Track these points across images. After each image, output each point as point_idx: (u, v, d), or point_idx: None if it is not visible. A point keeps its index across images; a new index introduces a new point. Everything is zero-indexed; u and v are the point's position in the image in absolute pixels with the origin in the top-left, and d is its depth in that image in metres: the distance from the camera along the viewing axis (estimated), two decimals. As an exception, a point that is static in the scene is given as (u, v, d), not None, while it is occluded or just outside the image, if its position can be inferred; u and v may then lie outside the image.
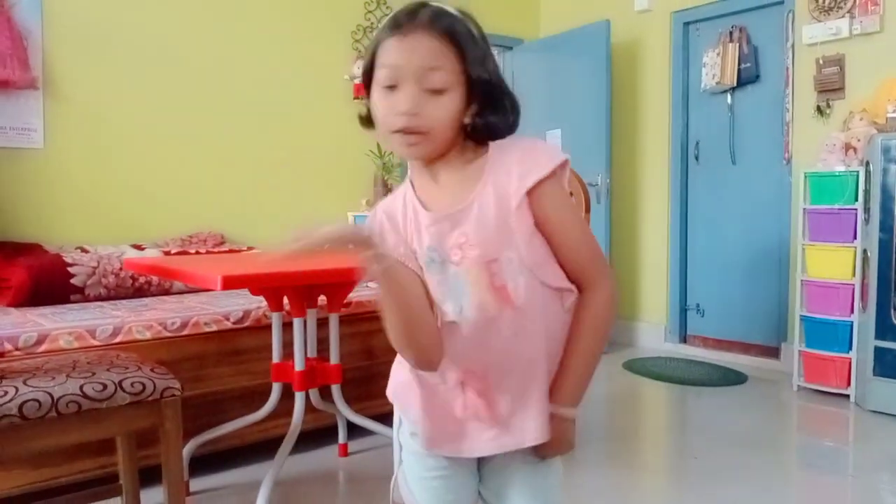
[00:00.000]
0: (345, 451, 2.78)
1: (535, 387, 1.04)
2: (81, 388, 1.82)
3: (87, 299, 2.98)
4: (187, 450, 2.38)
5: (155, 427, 1.93)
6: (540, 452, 1.07)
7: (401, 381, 1.13)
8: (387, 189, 4.45)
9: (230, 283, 1.77)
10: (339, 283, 2.25)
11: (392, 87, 0.98)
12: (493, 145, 1.04)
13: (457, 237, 1.01)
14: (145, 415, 1.91)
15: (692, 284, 4.65)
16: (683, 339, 4.67)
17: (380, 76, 1.00)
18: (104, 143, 3.58)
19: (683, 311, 4.67)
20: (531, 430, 1.04)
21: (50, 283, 2.88)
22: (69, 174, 3.48)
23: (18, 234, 3.30)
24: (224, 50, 3.99)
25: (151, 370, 1.99)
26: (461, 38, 0.99)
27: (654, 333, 4.76)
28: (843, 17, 3.69)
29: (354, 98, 4.46)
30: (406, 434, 1.15)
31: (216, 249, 3.47)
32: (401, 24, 0.98)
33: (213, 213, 3.89)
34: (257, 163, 4.11)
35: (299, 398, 2.28)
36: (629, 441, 3.09)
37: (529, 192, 0.99)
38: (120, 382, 1.88)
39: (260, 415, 2.43)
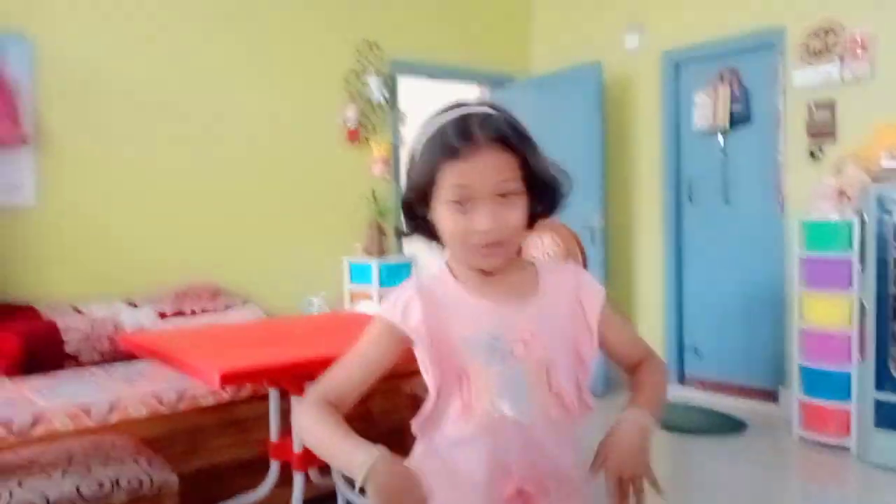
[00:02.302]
0: (345, 520, 2.75)
1: (578, 498, 1.08)
2: (78, 488, 1.80)
3: (81, 365, 2.95)
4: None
5: (153, 522, 1.91)
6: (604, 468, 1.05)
7: None
8: (381, 233, 4.44)
9: (229, 379, 1.74)
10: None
11: (462, 204, 1.00)
12: (539, 263, 1.14)
13: (522, 330, 1.03)
14: (143, 511, 1.89)
15: (689, 326, 4.64)
16: (682, 380, 4.66)
17: (448, 195, 1.01)
18: (96, 197, 3.56)
19: (681, 352, 4.66)
20: None
21: (44, 352, 2.86)
22: (61, 231, 3.45)
23: (9, 293, 3.26)
24: (216, 98, 3.98)
25: (148, 462, 1.97)
26: (518, 142, 1.03)
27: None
28: (833, 61, 3.71)
29: (348, 141, 4.46)
30: None
31: (211, 307, 3.44)
32: (462, 144, 0.99)
33: (208, 263, 3.86)
34: (250, 210, 4.09)
35: (298, 480, 2.24)
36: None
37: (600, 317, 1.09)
38: (116, 479, 1.86)
39: (258, 494, 2.40)
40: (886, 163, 3.29)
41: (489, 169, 1.00)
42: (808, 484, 3.31)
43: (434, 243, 1.11)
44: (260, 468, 2.51)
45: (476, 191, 1.00)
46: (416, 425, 1.07)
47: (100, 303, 3.31)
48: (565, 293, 1.08)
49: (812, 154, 3.81)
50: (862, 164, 3.48)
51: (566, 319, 1.07)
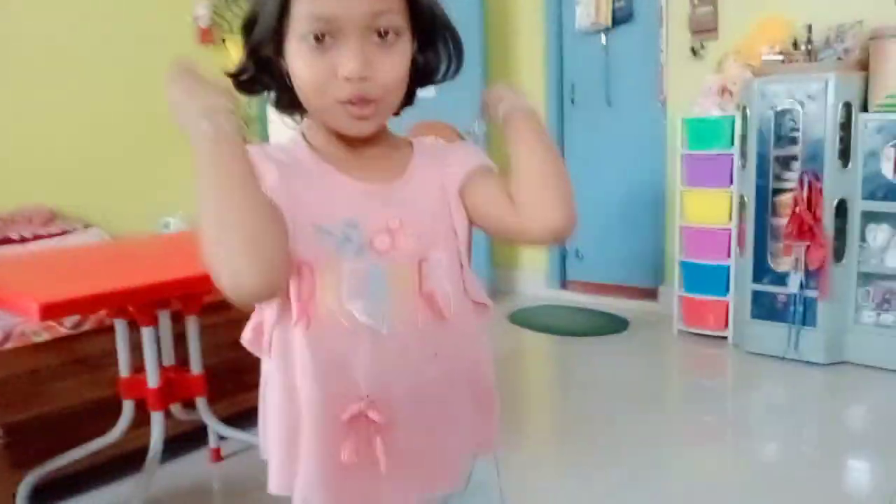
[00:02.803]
0: (218, 456, 2.47)
1: (453, 423, 0.85)
2: None
3: None
4: (28, 484, 2.02)
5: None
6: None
7: (274, 437, 0.85)
8: (244, 142, 4.02)
9: (51, 311, 1.40)
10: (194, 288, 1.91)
11: (322, 40, 0.73)
12: (417, 140, 0.90)
13: (387, 218, 0.80)
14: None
15: (571, 229, 4.60)
16: (563, 284, 4.64)
17: (302, 27, 0.74)
18: None
19: (563, 256, 4.63)
20: (443, 475, 0.86)
21: None
22: None
23: None
24: (35, -11, 3.35)
25: (-41, 415, 1.60)
26: None
27: (534, 280, 4.70)
28: (715, -47, 3.60)
29: (201, 43, 3.94)
30: None
31: (45, 232, 2.97)
32: None
33: (40, 185, 3.32)
34: (90, 122, 3.55)
35: (156, 419, 1.95)
36: (516, 404, 2.99)
37: (464, 182, 0.84)
38: (-85, 441, 1.49)
39: (110, 437, 2.08)
40: (767, 57, 3.25)
41: None
42: (689, 373, 3.42)
43: (286, 107, 0.85)
44: (112, 411, 2.17)
45: (341, 20, 0.73)
46: (247, 336, 0.83)
47: None
48: (439, 171, 0.86)
49: (693, 51, 3.73)
50: (743, 59, 3.43)
51: (441, 203, 0.85)
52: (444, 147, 0.90)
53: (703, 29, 3.68)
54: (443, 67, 0.88)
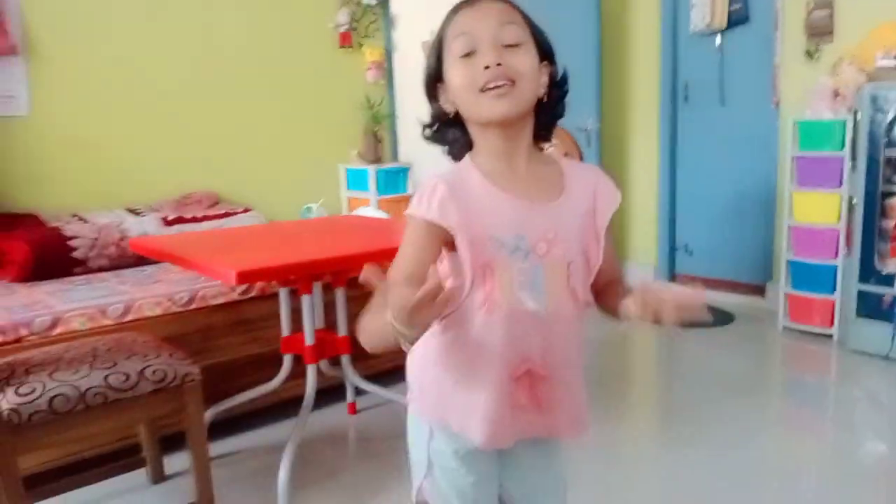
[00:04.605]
0: (353, 410, 2.89)
1: (580, 386, 1.17)
2: (106, 378, 1.89)
3: (89, 271, 3.00)
4: (205, 419, 2.47)
5: (177, 411, 2.02)
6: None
7: (434, 379, 1.14)
8: (376, 139, 4.44)
9: (245, 277, 1.81)
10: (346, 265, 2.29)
11: (468, 55, 1.04)
12: (563, 160, 1.14)
13: (545, 230, 1.05)
14: (168, 400, 1.99)
15: (681, 225, 4.74)
16: (672, 278, 4.79)
17: (454, 47, 1.05)
18: (91, 105, 3.53)
19: (672, 250, 4.78)
20: (566, 424, 1.16)
21: (52, 258, 2.90)
22: (58, 140, 3.43)
23: (11, 203, 3.28)
24: (207, 3, 3.88)
25: (170, 356, 2.06)
26: (523, 10, 1.08)
27: (643, 273, 4.86)
28: (834, -43, 3.64)
29: (341, 46, 4.39)
30: (439, 450, 1.17)
31: (212, 213, 3.48)
32: (466, 2, 1.06)
33: (205, 172, 3.87)
34: (245, 118, 4.07)
35: (311, 371, 2.36)
36: (622, 387, 3.22)
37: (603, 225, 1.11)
38: (142, 371, 1.95)
39: (272, 385, 2.52)
40: (881, 62, 3.29)
41: (492, 12, 1.05)
42: (791, 368, 3.53)
43: (457, 147, 1.13)
44: (267, 364, 2.61)
45: (479, 37, 1.03)
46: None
47: (101, 211, 3.34)
48: (586, 194, 1.11)
49: (809, 54, 3.80)
50: (857, 63, 3.48)
51: (583, 221, 1.10)
52: (593, 171, 1.15)
53: (819, 32, 3.73)
54: (563, 108, 1.15)
